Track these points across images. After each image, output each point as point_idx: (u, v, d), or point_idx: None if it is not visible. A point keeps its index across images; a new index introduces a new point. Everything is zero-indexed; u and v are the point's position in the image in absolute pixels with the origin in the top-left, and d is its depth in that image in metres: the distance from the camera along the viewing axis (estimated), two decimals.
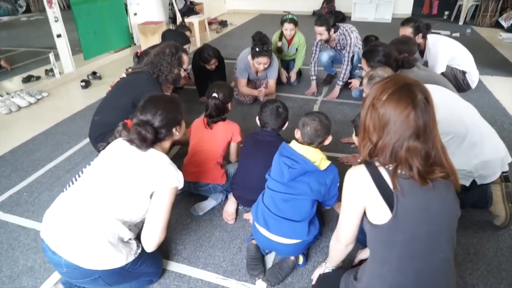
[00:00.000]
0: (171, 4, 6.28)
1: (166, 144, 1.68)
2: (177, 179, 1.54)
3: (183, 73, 2.58)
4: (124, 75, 2.49)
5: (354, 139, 2.01)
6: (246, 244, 1.95)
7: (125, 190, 1.50)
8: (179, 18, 6.16)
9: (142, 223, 1.58)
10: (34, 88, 4.26)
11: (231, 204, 2.21)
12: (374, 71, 2.16)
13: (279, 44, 4.04)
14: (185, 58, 2.53)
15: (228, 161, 2.43)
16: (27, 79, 4.57)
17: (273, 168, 1.81)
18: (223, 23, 7.75)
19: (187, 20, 6.04)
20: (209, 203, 2.25)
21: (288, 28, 3.89)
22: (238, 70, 3.61)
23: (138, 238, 1.58)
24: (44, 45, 5.97)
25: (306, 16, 8.23)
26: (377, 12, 7.96)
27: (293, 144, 1.76)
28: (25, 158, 2.90)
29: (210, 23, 7.48)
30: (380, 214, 1.11)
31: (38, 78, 4.63)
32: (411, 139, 1.06)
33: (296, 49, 4.10)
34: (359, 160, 1.84)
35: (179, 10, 6.19)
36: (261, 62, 3.35)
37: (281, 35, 4.02)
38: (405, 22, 3.17)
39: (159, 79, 2.45)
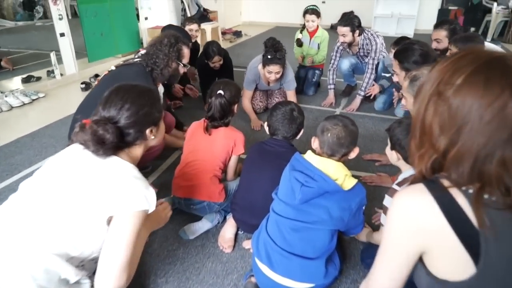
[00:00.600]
0: (183, 9, 6.05)
1: (137, 150, 1.29)
2: (145, 200, 1.15)
3: (182, 69, 2.23)
4: (113, 68, 2.15)
5: (389, 153, 1.59)
6: (243, 282, 1.54)
7: (71, 214, 1.11)
8: None
9: None
10: (32, 89, 4.00)
11: (230, 228, 1.80)
12: (419, 70, 1.76)
13: (300, 36, 3.84)
14: (185, 51, 2.18)
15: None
16: (26, 80, 4.33)
17: (282, 185, 1.42)
18: (238, 34, 7.51)
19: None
20: (203, 225, 1.85)
21: (309, 19, 3.71)
22: (246, 80, 3.24)
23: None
24: (53, 48, 5.79)
25: (325, 29, 7.93)
26: (398, 27, 7.58)
27: (309, 156, 1.37)
28: (2, 161, 2.57)
29: (224, 33, 7.24)
30: (454, 265, 0.70)
31: (38, 78, 4.40)
32: (508, 146, 0.65)
33: (318, 46, 3.85)
34: (398, 179, 1.41)
35: (192, 16, 5.94)
36: (272, 71, 2.97)
37: (303, 27, 3.85)
38: (439, 24, 2.79)
39: (153, 73, 2.10)
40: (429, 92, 0.74)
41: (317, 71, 3.90)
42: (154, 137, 1.32)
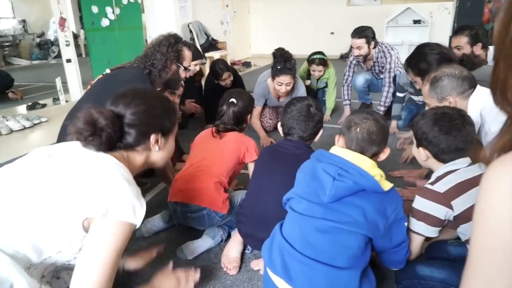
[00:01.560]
0: (192, 39, 6.07)
1: (136, 158, 1.10)
2: (132, 210, 0.92)
3: (183, 73, 2.03)
4: (108, 71, 1.97)
5: (416, 152, 1.34)
6: None
7: (39, 210, 0.89)
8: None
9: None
10: (35, 114, 3.89)
11: (235, 246, 1.51)
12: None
13: (308, 82, 3.52)
14: (186, 52, 2.00)
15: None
16: (32, 106, 4.28)
17: (301, 181, 1.16)
18: (247, 64, 7.51)
19: (207, 54, 5.77)
20: (203, 243, 1.56)
21: (316, 70, 3.40)
22: (254, 95, 3.04)
23: None
24: (64, 80, 5.84)
25: (333, 59, 7.90)
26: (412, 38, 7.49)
27: (337, 150, 1.13)
28: None
29: (233, 64, 7.23)
30: None
31: (44, 105, 4.36)
32: None
33: (326, 83, 3.56)
34: (431, 179, 1.14)
35: (201, 45, 5.95)
36: (282, 82, 2.78)
37: (308, 72, 3.54)
38: (460, 30, 2.60)
39: (151, 76, 1.91)
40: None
41: (325, 88, 3.71)
42: (158, 149, 1.12)
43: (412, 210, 1.22)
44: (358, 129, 1.12)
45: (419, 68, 2.04)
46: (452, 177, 1.16)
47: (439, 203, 1.14)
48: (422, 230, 1.18)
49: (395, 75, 3.07)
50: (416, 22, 7.37)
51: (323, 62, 3.36)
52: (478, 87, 1.54)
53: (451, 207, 1.12)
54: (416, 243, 1.21)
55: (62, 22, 4.08)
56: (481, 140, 1.55)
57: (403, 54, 7.88)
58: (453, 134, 1.19)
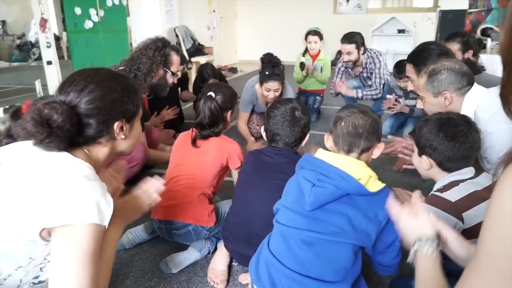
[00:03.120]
0: (178, 43, 5.99)
1: (99, 151, 0.98)
2: (97, 210, 0.82)
3: (170, 78, 1.97)
4: None
5: (417, 162, 1.29)
6: None
7: None
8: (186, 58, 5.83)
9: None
10: None
11: (222, 258, 1.44)
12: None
13: (303, 59, 3.67)
14: (174, 57, 1.95)
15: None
16: (9, 110, 4.08)
17: (288, 191, 1.11)
18: (233, 70, 7.47)
19: (194, 59, 5.70)
20: (189, 256, 1.49)
21: (312, 41, 3.57)
22: (242, 101, 2.99)
23: None
24: (44, 83, 5.66)
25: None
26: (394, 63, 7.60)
27: (321, 153, 1.07)
28: None
29: (219, 69, 7.18)
30: None
31: None
32: None
33: (321, 69, 3.69)
34: (436, 186, 1.12)
35: (187, 50, 5.87)
36: (270, 88, 2.73)
37: (305, 51, 3.70)
38: (451, 36, 2.59)
39: (136, 80, 1.84)
40: None
41: (318, 97, 3.72)
42: (124, 137, 1.00)
43: None
44: (343, 123, 1.06)
45: (421, 66, 1.93)
46: (462, 187, 1.10)
47: (449, 213, 1.07)
48: None
49: (384, 83, 3.08)
50: (401, 31, 7.49)
51: (318, 33, 3.57)
52: (475, 85, 1.48)
53: (461, 219, 1.06)
54: None
55: (43, 23, 3.95)
56: None
57: (388, 63, 7.98)
58: (459, 141, 1.13)
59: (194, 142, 1.59)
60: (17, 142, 0.93)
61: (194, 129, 1.61)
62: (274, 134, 1.38)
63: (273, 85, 2.70)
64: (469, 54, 2.50)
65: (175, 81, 2.04)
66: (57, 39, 8.68)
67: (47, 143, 0.85)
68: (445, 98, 1.46)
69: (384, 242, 1.03)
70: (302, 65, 3.71)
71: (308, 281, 0.95)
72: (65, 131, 0.86)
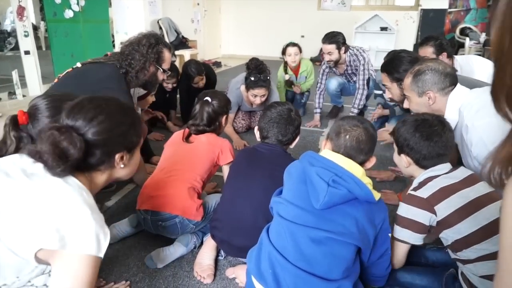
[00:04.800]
0: (162, 36, 5.89)
1: (98, 178, 0.99)
2: (96, 242, 0.83)
3: (161, 75, 1.93)
4: (79, 65, 1.83)
5: (397, 160, 1.33)
6: None
7: None
8: None
9: None
10: None
11: (208, 252, 1.44)
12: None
13: (287, 77, 3.54)
14: (166, 54, 1.91)
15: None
16: None
17: (290, 185, 1.11)
18: (218, 64, 7.43)
19: (177, 52, 5.62)
20: (175, 251, 1.48)
21: (292, 53, 3.41)
22: None
23: None
24: (21, 73, 5.46)
25: None
26: (376, 60, 7.64)
27: (329, 154, 1.08)
28: None
29: (204, 62, 7.12)
30: None
31: None
32: None
33: (306, 78, 3.61)
34: (414, 184, 1.17)
35: (171, 43, 5.78)
36: (257, 94, 2.75)
37: (286, 67, 3.54)
38: (425, 41, 2.65)
39: (127, 77, 1.80)
40: None
41: (306, 92, 3.73)
42: (123, 167, 1.01)
43: (396, 217, 1.20)
44: (347, 136, 1.09)
45: (394, 74, 2.02)
46: (434, 183, 1.16)
47: (423, 209, 1.13)
48: (407, 237, 1.15)
49: (369, 78, 3.11)
50: (383, 29, 7.60)
51: (296, 44, 3.42)
52: (459, 85, 1.53)
53: (434, 212, 1.12)
54: (401, 251, 1.19)
55: (21, 11, 3.80)
56: (457, 140, 1.53)
57: (371, 60, 8.09)
58: (434, 140, 1.19)
59: (187, 138, 1.62)
60: (21, 154, 0.91)
61: (187, 128, 1.63)
62: (268, 131, 1.43)
63: (259, 91, 2.73)
64: (443, 57, 2.56)
65: (165, 78, 2.01)
66: (35, 28, 8.40)
67: (59, 172, 0.85)
68: (429, 98, 1.51)
69: (377, 252, 1.07)
70: (288, 83, 3.61)
71: (313, 279, 0.96)
72: (74, 160, 0.87)
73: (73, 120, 0.91)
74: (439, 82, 1.48)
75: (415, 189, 1.20)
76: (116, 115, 0.97)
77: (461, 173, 1.18)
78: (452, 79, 1.49)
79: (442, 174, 1.18)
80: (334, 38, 3.07)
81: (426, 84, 1.50)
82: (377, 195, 1.02)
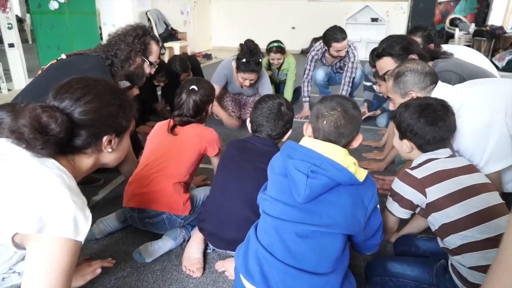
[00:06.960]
0: (151, 28, 5.80)
1: (83, 162, 0.95)
2: (73, 225, 0.79)
3: (148, 68, 1.89)
4: (64, 56, 1.78)
5: (398, 145, 1.33)
6: None
7: None
8: None
9: None
10: None
11: (196, 245, 1.42)
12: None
13: (269, 73, 3.48)
14: (153, 46, 1.87)
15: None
16: None
17: (273, 180, 1.09)
18: (208, 56, 7.34)
19: (167, 45, 5.56)
20: (163, 245, 1.46)
21: (275, 58, 3.37)
22: (216, 73, 2.89)
23: None
24: (6, 67, 5.34)
25: (294, 54, 7.92)
26: (367, 51, 7.67)
27: (308, 141, 1.05)
28: None
29: (193, 55, 7.03)
30: None
31: None
32: None
33: (286, 74, 3.56)
34: (413, 164, 1.18)
35: (159, 35, 5.69)
36: (247, 78, 2.71)
37: (269, 63, 3.50)
38: (413, 31, 2.65)
39: (112, 68, 1.76)
40: None
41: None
42: (111, 151, 0.98)
43: (390, 189, 1.24)
44: (325, 122, 1.05)
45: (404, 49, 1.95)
46: (432, 165, 1.17)
47: (414, 188, 1.15)
48: (394, 210, 1.22)
49: (354, 77, 3.14)
50: (374, 20, 7.59)
51: (281, 50, 3.33)
52: (440, 82, 1.55)
53: (424, 194, 1.13)
54: (391, 221, 1.26)
55: (4, 2, 3.70)
56: None
57: (361, 51, 8.08)
58: (438, 125, 1.19)
59: (172, 130, 1.57)
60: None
61: (172, 119, 1.59)
62: (258, 125, 1.42)
63: (249, 76, 2.70)
64: (431, 48, 2.56)
65: (152, 72, 1.96)
66: (20, 21, 8.21)
67: (39, 149, 0.81)
68: (411, 98, 1.52)
69: (372, 228, 1.05)
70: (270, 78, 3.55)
71: (302, 275, 0.94)
72: (59, 139, 0.83)
73: (60, 100, 0.88)
74: (419, 81, 1.51)
75: (412, 168, 1.22)
76: (105, 96, 0.94)
77: (461, 161, 1.20)
78: (432, 77, 1.52)
79: (442, 158, 1.19)
80: (346, 33, 3.03)
81: (407, 85, 1.53)
82: (362, 174, 0.99)
